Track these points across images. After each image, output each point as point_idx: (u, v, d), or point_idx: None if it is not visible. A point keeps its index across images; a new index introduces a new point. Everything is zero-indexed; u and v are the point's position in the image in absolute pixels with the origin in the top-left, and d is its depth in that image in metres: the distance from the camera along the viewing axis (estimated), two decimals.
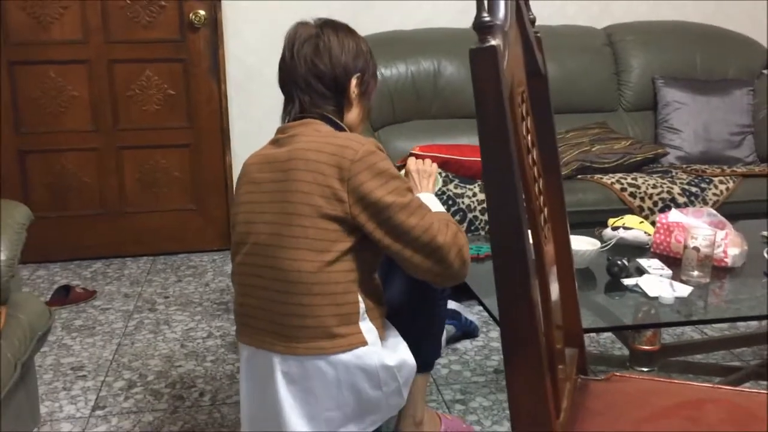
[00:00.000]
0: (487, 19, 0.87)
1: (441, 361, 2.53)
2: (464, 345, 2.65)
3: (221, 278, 3.34)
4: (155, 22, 3.42)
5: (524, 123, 1.06)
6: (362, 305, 1.56)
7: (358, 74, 1.65)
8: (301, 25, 1.67)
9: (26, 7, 3.31)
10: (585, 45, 3.57)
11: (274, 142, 1.63)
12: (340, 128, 1.64)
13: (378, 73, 1.79)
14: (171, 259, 3.60)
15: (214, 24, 3.45)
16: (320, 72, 1.61)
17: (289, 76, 1.64)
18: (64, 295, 3.07)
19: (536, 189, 1.08)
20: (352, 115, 1.69)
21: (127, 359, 2.59)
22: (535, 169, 1.10)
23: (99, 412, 2.25)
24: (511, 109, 1.00)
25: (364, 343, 1.55)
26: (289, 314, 1.52)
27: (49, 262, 3.54)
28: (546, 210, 1.14)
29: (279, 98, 3.67)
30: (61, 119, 3.46)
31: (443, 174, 2.84)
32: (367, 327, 1.57)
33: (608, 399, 1.25)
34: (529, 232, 1.02)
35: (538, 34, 1.20)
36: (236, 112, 3.57)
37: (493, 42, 0.86)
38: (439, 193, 2.51)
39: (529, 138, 1.09)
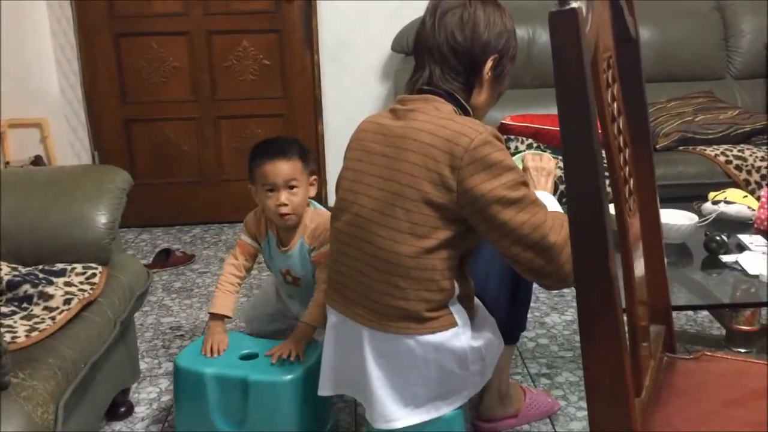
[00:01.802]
0: None
1: (528, 334, 2.50)
2: (552, 319, 2.61)
3: None
4: None
5: (610, 90, 1.02)
6: (456, 290, 1.55)
7: (496, 56, 1.54)
8: None
9: None
10: (692, 9, 3.38)
11: (392, 112, 1.57)
12: (463, 109, 1.55)
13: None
14: None
15: None
16: (458, 45, 1.52)
17: (425, 43, 1.55)
18: (165, 259, 3.21)
19: (621, 159, 1.04)
20: (480, 97, 1.58)
21: None
22: (621, 139, 1.05)
23: None
24: (594, 75, 0.96)
25: (454, 324, 1.54)
26: (383, 293, 1.51)
27: (152, 227, 3.71)
28: (632, 182, 1.10)
29: (370, 67, 3.67)
30: (163, 89, 3.59)
31: (535, 145, 2.78)
32: (457, 309, 1.55)
33: (696, 378, 1.20)
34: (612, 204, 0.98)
35: None
36: (328, 82, 3.60)
37: (573, 4, 0.83)
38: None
39: (615, 106, 1.04)
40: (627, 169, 1.07)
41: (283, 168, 1.97)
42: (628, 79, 1.15)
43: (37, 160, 3.38)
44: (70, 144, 3.54)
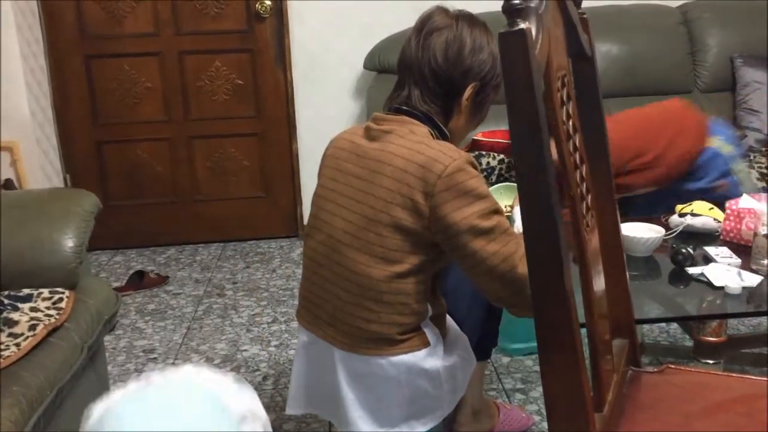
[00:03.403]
0: (517, 1, 0.85)
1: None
2: None
3: (287, 265, 3.40)
4: (223, 13, 3.49)
5: (565, 108, 1.03)
6: (429, 311, 1.55)
7: (477, 83, 1.51)
8: (439, 12, 1.54)
9: (101, 3, 3.43)
10: (658, 24, 3.43)
11: (367, 131, 1.55)
12: (440, 131, 1.53)
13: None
14: (240, 246, 3.68)
15: (280, 13, 3.48)
16: (439, 68, 1.49)
17: (407, 62, 1.53)
18: (139, 281, 3.18)
19: (577, 176, 1.05)
20: (459, 122, 1.56)
21: (195, 343, 2.67)
22: (577, 156, 1.06)
23: None
24: (548, 93, 0.97)
25: (427, 344, 1.53)
26: (355, 316, 1.50)
27: (126, 248, 3.68)
28: (589, 197, 1.11)
29: (343, 85, 3.68)
30: (135, 110, 3.57)
31: (507, 160, 2.79)
32: (429, 329, 1.55)
33: (659, 392, 1.21)
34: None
35: (585, 15, 1.16)
36: (302, 100, 3.61)
37: (522, 25, 0.84)
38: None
39: (571, 123, 1.06)
40: (584, 185, 1.09)
41: None
42: (585, 96, 1.17)
43: (7, 184, 3.34)
44: (41, 167, 3.51)
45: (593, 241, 1.10)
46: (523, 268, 1.39)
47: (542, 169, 0.87)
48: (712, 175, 2.56)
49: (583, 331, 1.01)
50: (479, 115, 1.59)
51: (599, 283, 1.12)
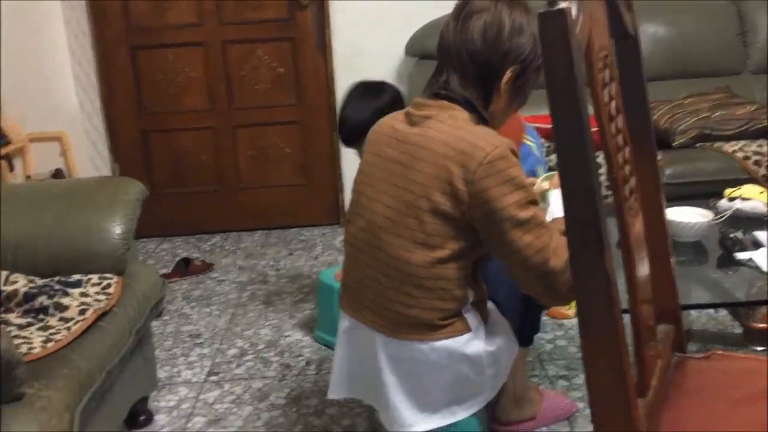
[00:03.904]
0: None
1: (546, 336, 2.48)
2: (571, 321, 2.58)
3: (330, 252, 3.42)
4: (264, 2, 3.51)
5: (607, 89, 1.01)
6: (470, 297, 1.54)
7: (516, 66, 1.46)
8: None
9: None
10: (707, 4, 3.34)
11: (407, 116, 1.53)
12: (481, 117, 1.50)
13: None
14: (283, 233, 3.72)
15: (320, 1, 3.49)
16: (477, 53, 1.45)
17: (445, 47, 1.49)
18: (185, 268, 3.24)
19: (620, 158, 1.03)
20: (498, 106, 1.51)
21: (240, 328, 2.71)
22: (620, 138, 1.05)
23: (213, 378, 2.38)
24: (590, 74, 0.96)
25: (468, 330, 1.53)
26: (396, 301, 1.50)
27: (172, 236, 3.74)
28: (633, 180, 1.09)
29: (383, 72, 3.67)
30: (180, 100, 3.63)
31: (547, 144, 2.76)
32: (471, 314, 1.55)
33: (706, 378, 1.19)
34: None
35: None
36: (343, 88, 3.59)
37: (562, 5, 0.83)
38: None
39: (614, 105, 1.04)
40: (627, 168, 1.07)
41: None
42: (628, 77, 1.14)
43: (57, 173, 3.44)
44: (90, 157, 3.59)
45: (637, 225, 1.08)
46: (555, 261, 1.38)
47: (582, 151, 0.85)
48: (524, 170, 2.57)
49: (627, 317, 1.00)
50: (520, 99, 1.56)
51: (643, 269, 1.10)
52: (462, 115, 1.48)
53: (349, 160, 3.63)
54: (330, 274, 2.51)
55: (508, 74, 1.47)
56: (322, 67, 3.58)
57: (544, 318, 2.51)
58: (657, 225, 1.20)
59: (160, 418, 2.16)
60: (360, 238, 1.58)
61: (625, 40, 1.13)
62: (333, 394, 1.71)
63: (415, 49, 3.32)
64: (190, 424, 2.13)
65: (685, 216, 1.93)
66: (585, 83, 0.89)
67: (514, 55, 1.46)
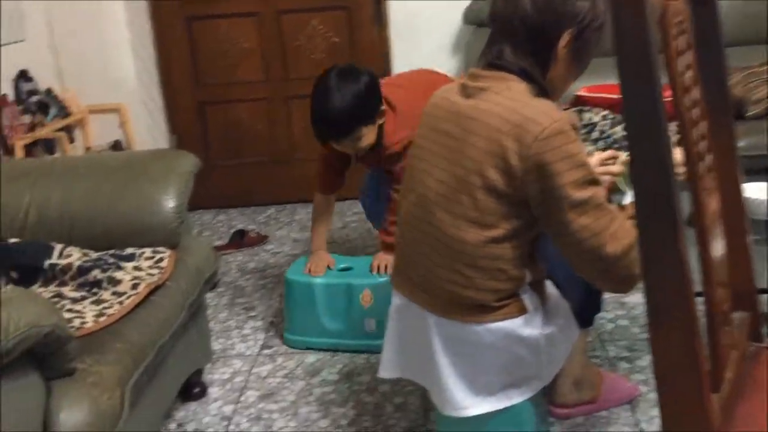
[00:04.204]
0: None
1: (607, 315, 2.40)
2: (633, 299, 2.49)
3: None
4: None
5: (682, 58, 0.93)
6: (527, 277, 1.47)
7: (573, 29, 1.37)
8: None
9: None
10: None
11: (463, 88, 1.46)
12: (540, 87, 1.41)
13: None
14: (338, 206, 3.65)
15: None
16: (529, 18, 1.37)
17: (496, 16, 1.43)
18: (240, 239, 3.25)
19: (695, 134, 0.95)
20: (557, 73, 1.42)
21: None
22: (696, 110, 0.96)
23: (266, 351, 2.38)
24: (664, 42, 0.88)
25: (524, 311, 1.47)
26: (449, 281, 1.44)
27: (228, 208, 3.76)
28: (710, 156, 1.00)
29: (440, 41, 3.58)
30: (235, 71, 3.61)
31: (611, 116, 2.64)
32: (528, 295, 1.48)
33: None
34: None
35: None
36: (398, 58, 3.54)
37: None
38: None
39: (689, 75, 0.95)
40: (704, 143, 0.98)
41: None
42: (705, 45, 1.05)
43: (116, 145, 3.47)
44: (148, 128, 3.62)
45: (712, 203, 1.00)
46: (612, 246, 1.30)
47: (656, 126, 0.78)
48: None
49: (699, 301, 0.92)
50: (581, 64, 1.46)
51: (718, 249, 1.01)
52: (519, 86, 1.40)
53: None
54: (298, 269, 2.40)
55: (564, 38, 1.38)
56: (377, 37, 3.51)
57: (606, 296, 2.42)
58: (734, 202, 1.11)
59: (214, 391, 2.17)
60: (412, 214, 1.52)
61: (702, 4, 1.04)
62: (384, 373, 1.67)
63: (473, 16, 3.22)
64: (243, 398, 2.13)
65: (760, 192, 1.81)
66: (658, 50, 0.81)
67: (569, 16, 1.37)
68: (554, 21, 1.37)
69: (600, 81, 2.91)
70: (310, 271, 2.35)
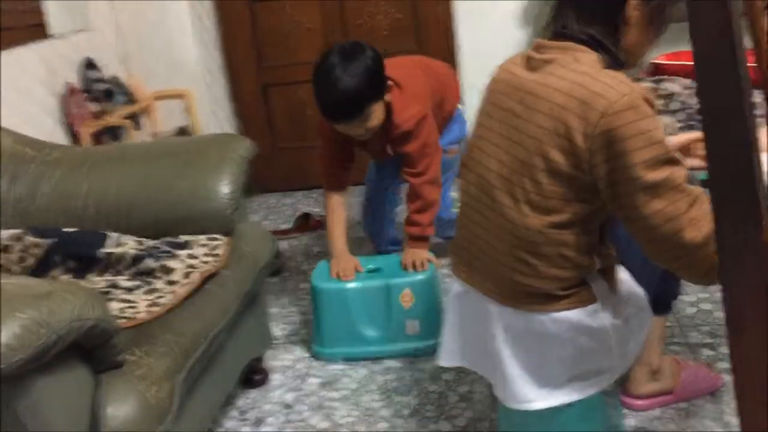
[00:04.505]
0: None
1: (688, 298, 2.25)
2: None
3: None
4: None
5: (766, 17, 0.80)
6: (596, 264, 1.35)
7: None
8: None
9: None
10: None
11: (528, 60, 1.35)
12: (612, 57, 1.29)
13: None
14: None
15: None
16: None
17: None
18: (305, 223, 3.21)
19: None
20: (632, 38, 1.30)
21: None
22: None
23: None
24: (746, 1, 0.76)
25: (593, 300, 1.35)
26: (511, 268, 1.35)
27: (293, 191, 3.74)
28: None
29: (507, 15, 3.44)
30: (297, 52, 3.57)
31: (692, 85, 2.46)
32: (597, 283, 1.36)
33: None
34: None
35: None
36: (464, 33, 3.42)
37: None
38: None
39: None
40: None
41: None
42: None
43: (182, 131, 3.49)
44: (213, 113, 3.63)
45: None
46: (691, 232, 1.17)
47: (734, 91, 0.66)
48: (450, 136, 2.44)
49: None
50: (657, 27, 1.32)
51: None
52: (588, 57, 1.27)
53: (471, 107, 3.45)
54: (323, 275, 2.19)
55: (633, 2, 1.25)
56: (442, 10, 3.40)
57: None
58: None
59: (276, 378, 2.14)
60: (472, 195, 1.42)
61: None
62: (444, 362, 1.59)
63: None
64: (304, 385, 2.09)
65: None
66: (740, 12, 0.70)
67: None
68: None
69: (680, 47, 2.72)
70: (338, 275, 2.16)
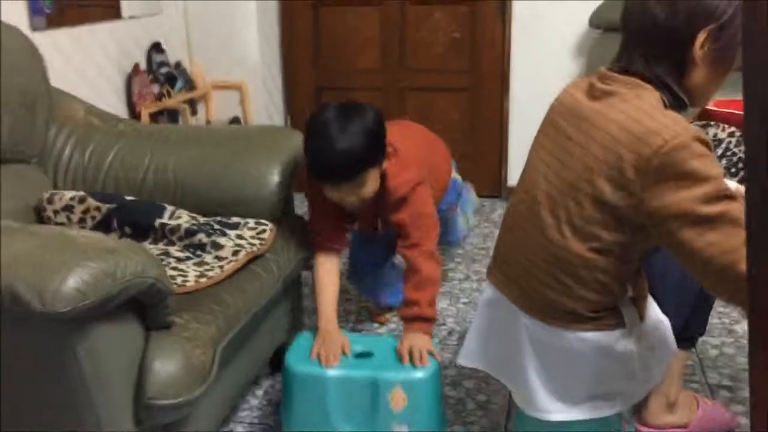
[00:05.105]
0: None
1: (713, 341, 2.28)
2: (744, 327, 2.35)
3: (486, 224, 3.34)
4: None
5: None
6: (629, 292, 1.41)
7: (712, 25, 1.27)
8: None
9: None
10: None
11: (590, 88, 1.39)
12: (675, 97, 1.32)
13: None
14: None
15: None
16: (657, 20, 1.29)
17: (626, 17, 1.36)
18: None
19: None
20: (697, 78, 1.32)
21: None
22: None
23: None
24: None
25: (621, 325, 1.40)
26: (546, 285, 1.40)
27: None
28: None
29: (564, 42, 3.50)
30: (354, 59, 3.67)
31: (737, 133, 2.50)
32: (627, 310, 1.41)
33: None
34: None
35: None
36: (519, 56, 3.49)
37: None
38: None
39: None
40: None
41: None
42: None
43: (234, 121, 3.60)
44: (266, 107, 3.73)
45: None
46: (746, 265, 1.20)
47: None
48: (449, 197, 2.33)
49: None
50: (723, 67, 1.34)
51: None
52: (651, 95, 1.31)
53: (518, 132, 3.51)
54: (302, 352, 1.74)
55: (700, 38, 1.28)
56: (499, 33, 3.47)
57: (713, 320, 2.30)
58: None
59: None
60: (518, 210, 1.48)
61: None
62: (462, 361, 1.65)
63: (600, 20, 3.12)
64: None
65: None
66: None
67: (702, 14, 1.28)
68: (686, 20, 1.28)
69: (730, 95, 2.76)
70: (319, 357, 1.72)
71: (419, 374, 1.67)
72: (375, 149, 1.80)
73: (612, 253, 1.33)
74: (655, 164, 1.21)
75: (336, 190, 1.81)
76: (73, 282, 1.13)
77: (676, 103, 1.33)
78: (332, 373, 1.68)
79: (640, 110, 1.27)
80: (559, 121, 1.42)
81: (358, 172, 1.76)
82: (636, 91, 1.31)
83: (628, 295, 1.41)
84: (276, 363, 2.14)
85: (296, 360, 1.72)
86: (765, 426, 0.78)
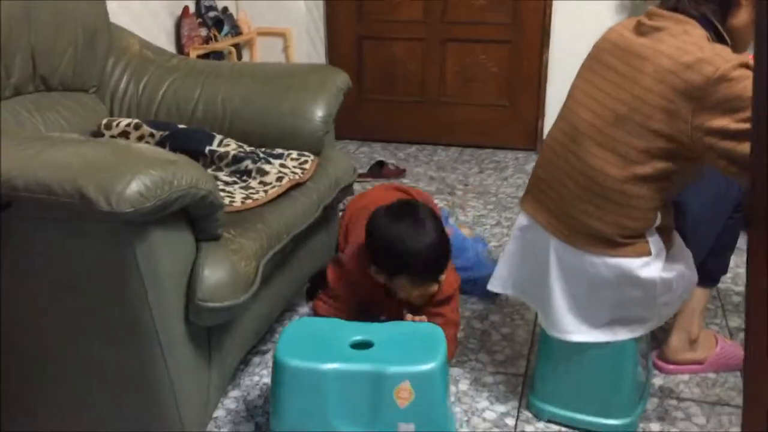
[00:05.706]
0: None
1: (736, 287, 2.33)
2: None
3: (520, 175, 3.40)
4: None
5: None
6: (657, 221, 1.49)
7: None
8: None
9: None
10: None
11: (638, 25, 1.46)
12: (718, 35, 1.41)
13: None
14: (477, 152, 3.75)
15: None
16: None
17: None
18: (378, 170, 3.39)
19: None
20: (740, 18, 1.41)
21: None
22: None
23: None
24: None
25: (647, 253, 1.48)
26: (580, 210, 1.48)
27: (372, 141, 3.91)
28: None
29: (603, 6, 3.47)
30: (396, 10, 3.71)
31: None
32: (654, 239, 1.50)
33: None
34: None
35: None
36: (561, 11, 3.50)
37: None
38: None
39: None
40: None
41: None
42: None
43: None
44: (308, 55, 3.80)
45: None
46: None
47: None
48: (474, 264, 2.32)
49: None
50: None
51: None
52: (697, 31, 1.39)
53: (556, 85, 3.54)
54: (295, 343, 1.53)
55: None
56: None
57: (739, 269, 2.35)
58: None
59: None
60: (559, 141, 1.56)
61: None
62: (493, 287, 1.74)
63: None
64: None
65: None
66: None
67: None
68: None
69: None
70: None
71: (427, 366, 1.48)
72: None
73: (652, 180, 1.41)
74: (707, 91, 1.30)
75: (418, 286, 1.81)
76: (136, 186, 1.24)
77: (719, 42, 1.40)
78: (330, 366, 1.47)
79: (689, 43, 1.35)
80: (605, 57, 1.49)
81: (446, 266, 1.83)
82: (683, 26, 1.39)
83: (656, 224, 1.49)
84: (314, 294, 2.26)
85: (288, 351, 1.50)
86: (756, 420, 0.82)
